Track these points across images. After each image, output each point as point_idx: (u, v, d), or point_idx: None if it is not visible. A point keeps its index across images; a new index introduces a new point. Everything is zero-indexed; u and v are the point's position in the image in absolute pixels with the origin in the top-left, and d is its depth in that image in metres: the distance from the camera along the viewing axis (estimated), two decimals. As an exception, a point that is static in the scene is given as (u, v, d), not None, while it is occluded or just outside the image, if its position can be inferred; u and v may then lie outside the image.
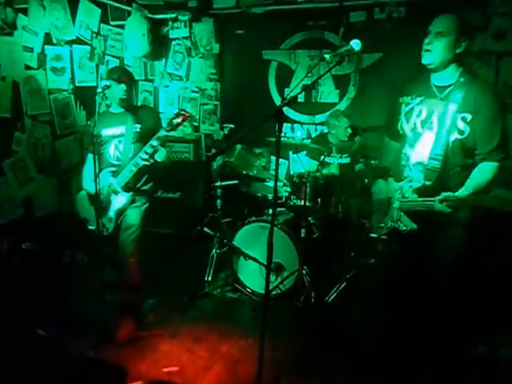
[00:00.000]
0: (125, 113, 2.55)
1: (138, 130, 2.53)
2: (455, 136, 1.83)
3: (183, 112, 2.37)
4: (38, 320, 2.47)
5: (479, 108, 1.79)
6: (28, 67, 3.02)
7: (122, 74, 2.51)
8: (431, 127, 1.91)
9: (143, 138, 2.49)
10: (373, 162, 3.01)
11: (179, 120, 2.35)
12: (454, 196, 1.78)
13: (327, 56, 1.80)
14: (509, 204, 1.68)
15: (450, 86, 1.87)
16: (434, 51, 1.83)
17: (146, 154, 2.37)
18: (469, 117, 1.80)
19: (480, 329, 2.44)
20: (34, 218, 3.09)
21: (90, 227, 2.56)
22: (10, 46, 2.87)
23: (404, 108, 2.04)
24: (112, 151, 2.55)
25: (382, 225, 2.08)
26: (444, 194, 1.80)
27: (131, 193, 2.49)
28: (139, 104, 4.13)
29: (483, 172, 1.84)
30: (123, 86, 2.47)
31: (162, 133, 2.36)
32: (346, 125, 3.17)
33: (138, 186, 2.55)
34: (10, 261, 2.76)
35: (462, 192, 1.81)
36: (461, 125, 1.82)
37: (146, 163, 2.39)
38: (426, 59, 1.86)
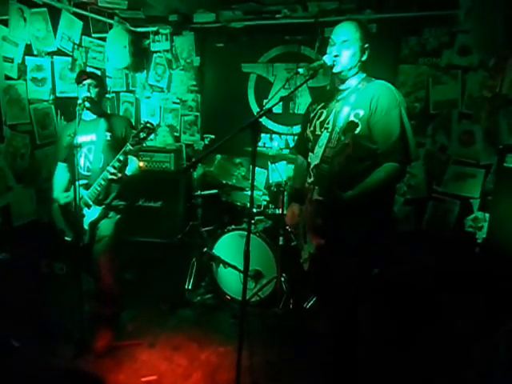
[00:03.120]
0: (96, 120, 2.55)
1: (108, 138, 2.51)
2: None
3: (149, 125, 2.34)
4: (14, 331, 2.45)
5: (374, 105, 1.75)
6: (8, 77, 3.02)
7: (80, 75, 2.52)
8: (328, 128, 1.87)
9: (113, 147, 2.48)
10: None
11: (145, 134, 2.33)
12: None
13: (301, 70, 1.88)
14: None
15: (348, 89, 1.88)
16: (343, 59, 1.81)
17: (114, 168, 2.36)
18: (361, 112, 1.76)
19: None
20: (12, 228, 3.07)
21: (66, 238, 2.55)
22: (-10, 56, 2.89)
23: (311, 115, 2.02)
24: (82, 161, 2.54)
25: (305, 256, 1.97)
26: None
27: (103, 206, 2.49)
28: (120, 114, 4.16)
29: (379, 171, 1.75)
30: (85, 87, 2.46)
31: (127, 147, 2.35)
32: None
33: (108, 201, 2.54)
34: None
35: (348, 193, 1.74)
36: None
37: (114, 177, 2.37)
38: (336, 68, 1.83)
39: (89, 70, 3.67)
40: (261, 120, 1.72)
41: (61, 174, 2.65)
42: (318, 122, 1.95)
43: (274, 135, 3.82)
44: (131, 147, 2.34)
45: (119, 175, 2.38)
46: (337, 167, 1.70)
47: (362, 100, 1.79)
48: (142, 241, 3.49)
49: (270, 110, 1.78)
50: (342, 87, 1.91)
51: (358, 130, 1.72)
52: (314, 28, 3.51)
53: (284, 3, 3.40)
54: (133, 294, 2.93)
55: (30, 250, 3.03)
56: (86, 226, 2.47)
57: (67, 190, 2.56)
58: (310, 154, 1.97)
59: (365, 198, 1.76)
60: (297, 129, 3.72)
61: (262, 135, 3.78)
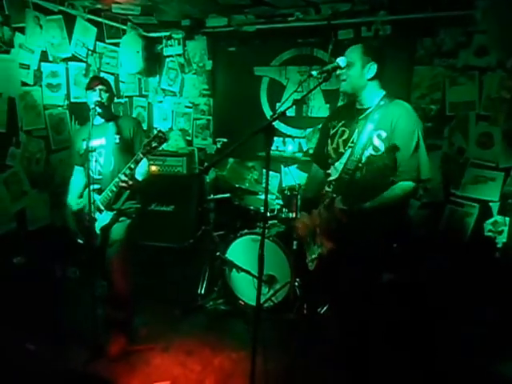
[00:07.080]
0: (105, 124, 2.54)
1: (117, 140, 2.50)
2: (370, 152, 1.88)
3: (161, 135, 2.29)
4: (29, 335, 2.47)
5: (394, 126, 1.84)
6: (24, 84, 3.08)
7: (91, 81, 2.53)
8: (352, 146, 1.96)
9: (122, 150, 2.48)
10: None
11: (156, 143, 2.28)
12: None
13: (314, 72, 1.88)
14: None
15: (369, 108, 1.95)
16: (348, 80, 1.93)
17: (125, 176, 2.34)
18: (384, 134, 1.85)
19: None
20: (27, 232, 3.10)
21: (79, 240, 2.55)
22: (7, 63, 2.94)
23: (331, 131, 2.10)
24: (93, 165, 2.52)
25: (314, 256, 2.07)
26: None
27: (114, 212, 2.48)
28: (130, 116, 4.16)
29: (395, 188, 1.86)
30: (96, 92, 2.46)
31: (138, 156, 2.31)
32: None
33: (118, 206, 2.52)
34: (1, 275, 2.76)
35: (367, 204, 1.85)
36: (376, 142, 1.87)
37: (125, 185, 2.35)
38: (343, 87, 1.97)
39: (102, 75, 3.71)
40: (274, 123, 1.72)
41: (77, 178, 2.66)
42: (340, 140, 2.03)
43: (286, 138, 3.80)
44: (142, 156, 2.30)
45: (130, 183, 2.37)
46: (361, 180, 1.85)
47: (384, 121, 1.88)
48: (154, 245, 3.49)
49: (283, 113, 1.80)
50: (361, 106, 1.99)
51: (381, 151, 1.85)
52: (327, 30, 3.49)
53: (297, 6, 3.38)
54: (146, 299, 2.92)
55: (45, 254, 3.06)
56: (97, 231, 2.47)
57: (82, 195, 2.56)
58: (332, 167, 2.07)
59: (381, 210, 1.86)
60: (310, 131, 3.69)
61: (275, 138, 3.76)
